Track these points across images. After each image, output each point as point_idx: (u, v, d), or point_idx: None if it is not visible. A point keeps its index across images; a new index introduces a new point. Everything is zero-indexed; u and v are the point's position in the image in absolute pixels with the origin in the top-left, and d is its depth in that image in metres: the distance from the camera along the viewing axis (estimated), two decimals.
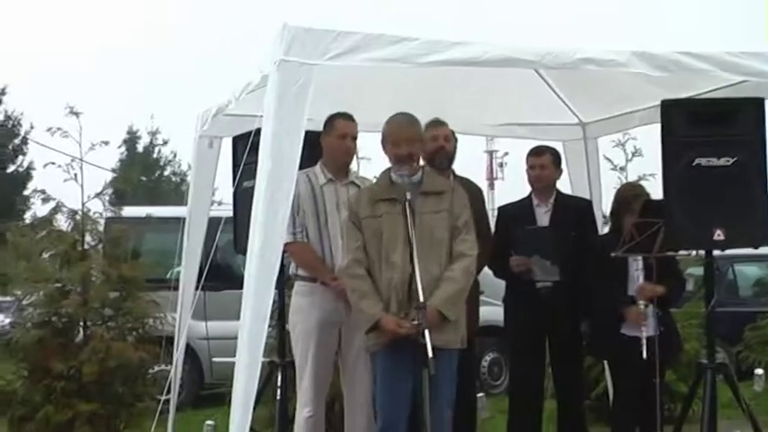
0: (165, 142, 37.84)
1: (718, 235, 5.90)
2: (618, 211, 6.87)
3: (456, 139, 6.98)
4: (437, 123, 6.83)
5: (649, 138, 7.27)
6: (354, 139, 6.40)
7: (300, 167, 5.40)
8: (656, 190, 6.48)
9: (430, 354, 4.90)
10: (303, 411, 6.20)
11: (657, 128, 6.08)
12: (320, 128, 6.33)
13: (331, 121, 6.33)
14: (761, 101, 6.02)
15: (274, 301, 5.29)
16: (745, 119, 5.98)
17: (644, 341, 6.37)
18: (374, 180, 6.00)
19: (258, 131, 5.24)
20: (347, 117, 6.34)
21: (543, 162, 7.14)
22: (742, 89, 6.28)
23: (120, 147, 35.75)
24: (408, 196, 5.30)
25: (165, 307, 8.38)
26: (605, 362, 7.80)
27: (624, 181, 9.84)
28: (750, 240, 6.11)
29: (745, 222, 5.93)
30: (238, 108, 6.38)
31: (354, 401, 6.25)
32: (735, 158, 5.91)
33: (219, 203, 9.79)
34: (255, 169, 5.22)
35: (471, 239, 5.59)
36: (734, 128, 5.97)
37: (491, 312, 7.69)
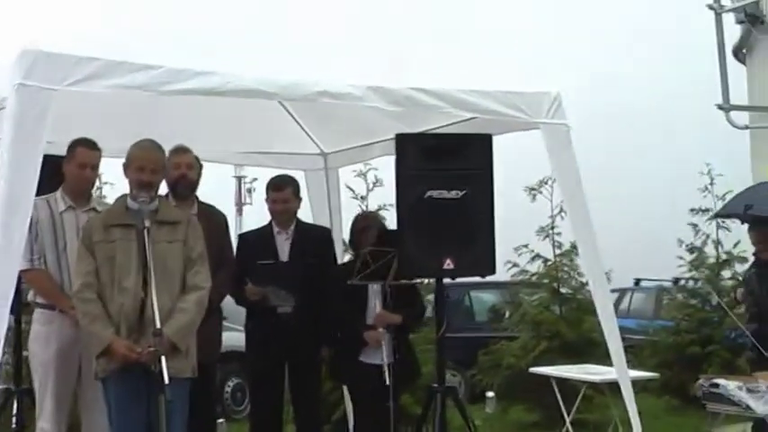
0: None
1: (448, 264, 6.15)
2: (354, 240, 7.08)
3: (201, 166, 7.00)
4: (180, 150, 6.81)
5: (389, 168, 7.48)
6: (94, 168, 6.33)
7: (44, 191, 5.32)
8: (394, 219, 6.69)
9: (166, 380, 4.95)
10: None
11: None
12: (64, 151, 6.24)
13: (72, 148, 6.22)
14: (489, 137, 6.33)
15: (10, 327, 5.20)
16: (475, 154, 6.26)
17: (386, 367, 6.58)
18: None
19: None
20: (88, 145, 6.24)
21: (285, 196, 7.20)
22: (473, 125, 6.61)
23: None
24: (147, 224, 5.32)
25: None
26: (345, 386, 7.98)
27: (365, 210, 10.09)
28: (477, 269, 6.41)
29: (473, 252, 6.20)
30: None
31: (93, 429, 6.17)
32: (464, 191, 6.17)
33: None
34: None
35: (205, 272, 5.66)
36: (464, 162, 6.23)
37: (234, 338, 7.75)
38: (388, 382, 6.56)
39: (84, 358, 6.04)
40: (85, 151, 6.23)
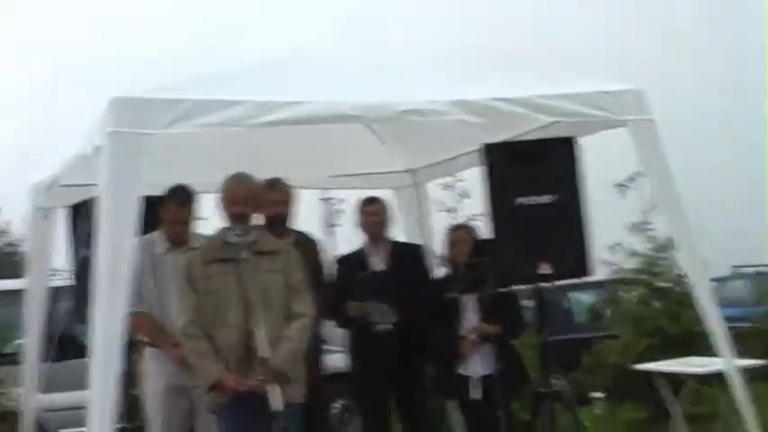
0: None
1: (545, 269, 6.17)
2: (449, 253, 7.10)
3: (296, 195, 7.09)
4: (276, 186, 6.89)
5: (477, 179, 7.49)
6: (185, 222, 6.36)
7: (143, 230, 5.43)
8: (484, 229, 6.71)
9: (279, 408, 5.02)
10: None
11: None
12: (158, 191, 6.28)
13: (165, 201, 6.27)
14: (571, 139, 6.34)
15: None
16: (560, 157, 6.30)
17: (474, 381, 6.63)
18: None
19: (94, 200, 5.29)
20: (178, 202, 6.29)
21: (377, 209, 7.29)
22: (556, 128, 6.60)
23: None
24: (244, 255, 5.40)
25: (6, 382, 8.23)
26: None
27: (455, 222, 10.06)
28: (574, 271, 6.43)
29: (568, 255, 6.23)
30: (72, 178, 6.37)
31: None
32: (554, 195, 6.21)
33: (53, 273, 9.68)
34: (90, 238, 5.26)
35: (308, 299, 5.70)
36: (550, 166, 6.27)
37: (338, 360, 7.81)
38: (477, 396, 6.59)
39: (197, 394, 6.13)
40: (176, 209, 6.30)
